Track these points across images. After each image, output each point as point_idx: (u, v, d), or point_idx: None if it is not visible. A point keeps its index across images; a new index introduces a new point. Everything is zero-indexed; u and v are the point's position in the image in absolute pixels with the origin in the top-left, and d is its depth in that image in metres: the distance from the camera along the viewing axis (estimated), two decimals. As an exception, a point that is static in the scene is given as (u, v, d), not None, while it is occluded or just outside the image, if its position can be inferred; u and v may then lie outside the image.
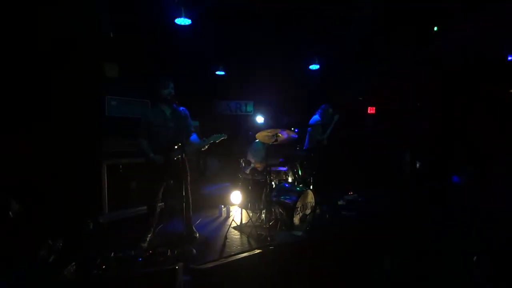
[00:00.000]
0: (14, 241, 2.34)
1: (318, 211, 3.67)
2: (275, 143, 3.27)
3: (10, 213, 2.53)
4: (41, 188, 2.85)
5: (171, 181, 2.94)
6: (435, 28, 4.30)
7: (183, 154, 2.70)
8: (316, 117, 4.44)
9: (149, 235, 2.85)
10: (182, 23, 3.53)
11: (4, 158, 2.71)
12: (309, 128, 4.43)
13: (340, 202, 4.33)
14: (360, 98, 5.94)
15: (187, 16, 3.43)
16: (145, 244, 2.75)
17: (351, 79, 5.50)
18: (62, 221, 2.78)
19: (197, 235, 3.01)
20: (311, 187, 3.83)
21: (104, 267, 2.21)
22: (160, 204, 3.02)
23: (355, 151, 5.65)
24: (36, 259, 2.24)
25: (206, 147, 2.87)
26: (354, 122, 5.84)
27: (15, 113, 2.89)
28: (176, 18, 3.45)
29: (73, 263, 2.17)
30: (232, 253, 2.67)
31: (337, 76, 5.63)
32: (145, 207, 2.99)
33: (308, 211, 3.43)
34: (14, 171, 2.72)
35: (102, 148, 3.34)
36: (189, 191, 2.93)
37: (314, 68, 5.30)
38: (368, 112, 6.39)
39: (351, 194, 4.63)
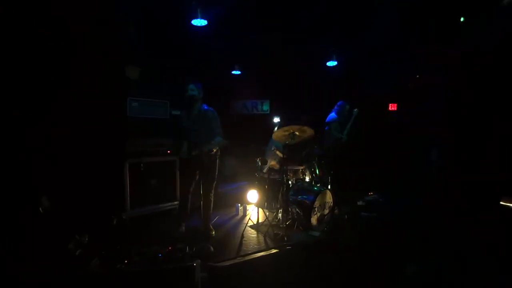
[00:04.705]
0: (44, 235, 2.50)
1: (336, 211, 3.59)
2: (292, 142, 3.24)
3: (41, 209, 2.71)
4: (69, 186, 3.02)
5: (195, 178, 3.06)
6: (462, 19, 4.02)
7: (204, 154, 2.84)
8: (332, 114, 4.34)
9: (181, 229, 3.02)
10: (199, 24, 3.58)
11: (35, 158, 2.90)
12: (326, 127, 4.34)
13: (359, 203, 4.20)
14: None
15: (203, 17, 3.47)
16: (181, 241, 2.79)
17: (371, 75, 5.31)
18: (88, 217, 2.93)
19: (213, 232, 3.06)
20: (329, 186, 3.75)
21: (126, 261, 2.30)
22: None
23: (376, 150, 5.46)
24: (64, 253, 2.38)
25: (214, 150, 2.95)
26: (374, 119, 5.64)
27: (43, 116, 3.08)
28: (192, 19, 3.50)
29: (98, 257, 2.27)
30: (249, 252, 2.68)
31: (355, 73, 5.46)
32: (164, 205, 3.12)
33: (326, 211, 3.37)
34: (44, 170, 2.90)
35: (124, 147, 3.48)
36: (211, 190, 3.04)
37: (331, 65, 5.18)
38: (390, 109, 6.15)
39: (371, 194, 4.48)
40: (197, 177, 3.06)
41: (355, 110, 4.27)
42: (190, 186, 3.05)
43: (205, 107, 2.99)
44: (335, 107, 4.36)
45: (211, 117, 2.98)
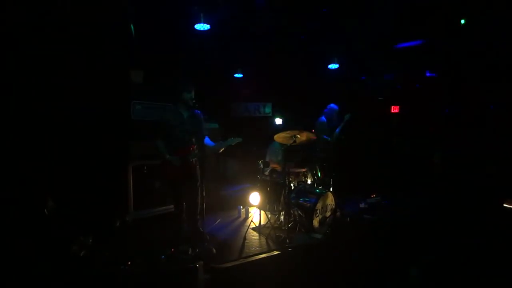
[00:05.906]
0: (49, 236, 2.54)
1: (338, 214, 3.59)
2: (293, 144, 3.26)
3: (46, 210, 2.75)
4: (74, 188, 3.06)
5: (186, 182, 2.93)
6: (462, 21, 4.01)
7: (197, 157, 2.79)
8: (322, 117, 4.35)
9: (183, 233, 2.94)
10: (201, 29, 3.63)
11: (41, 160, 2.95)
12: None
13: (362, 205, 4.19)
14: (380, 98, 5.70)
15: (206, 22, 3.52)
16: (183, 243, 2.71)
17: (371, 77, 5.32)
18: (92, 219, 2.96)
19: (208, 236, 2.94)
20: (331, 189, 3.75)
21: (129, 263, 2.32)
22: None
23: (378, 152, 5.45)
24: (68, 254, 2.41)
25: (222, 149, 2.92)
26: (375, 122, 5.63)
27: (48, 120, 3.13)
28: (195, 23, 3.55)
29: (102, 259, 2.30)
30: (251, 254, 2.69)
31: (355, 75, 5.47)
32: (167, 207, 3.08)
33: (328, 214, 3.37)
34: (50, 172, 2.95)
35: (128, 150, 3.52)
36: (199, 193, 2.90)
37: (333, 68, 5.20)
38: (392, 111, 6.14)
39: (373, 196, 4.47)
40: (186, 182, 2.88)
41: (347, 115, 4.21)
42: (182, 196, 2.90)
43: (195, 110, 2.89)
44: (325, 110, 4.36)
45: (201, 119, 2.91)
